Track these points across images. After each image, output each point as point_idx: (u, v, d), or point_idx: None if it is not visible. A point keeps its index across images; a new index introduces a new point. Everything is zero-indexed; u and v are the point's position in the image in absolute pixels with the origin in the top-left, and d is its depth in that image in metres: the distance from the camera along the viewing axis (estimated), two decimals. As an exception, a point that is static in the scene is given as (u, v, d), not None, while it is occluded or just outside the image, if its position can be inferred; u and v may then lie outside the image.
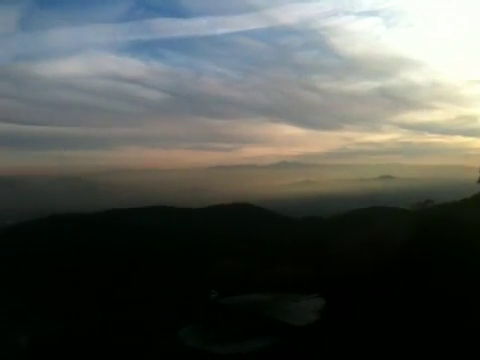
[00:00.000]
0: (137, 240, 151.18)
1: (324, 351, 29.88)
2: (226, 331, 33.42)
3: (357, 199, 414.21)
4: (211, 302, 40.64)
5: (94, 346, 39.67)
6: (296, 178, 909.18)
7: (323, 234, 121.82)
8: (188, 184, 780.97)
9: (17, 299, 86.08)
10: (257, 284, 59.65)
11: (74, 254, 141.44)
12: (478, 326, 26.11)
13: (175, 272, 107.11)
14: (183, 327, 35.66)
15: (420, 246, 45.03)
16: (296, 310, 35.87)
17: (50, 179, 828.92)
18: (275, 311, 35.39)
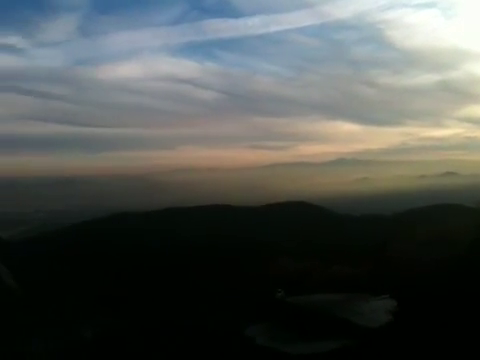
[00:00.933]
0: (196, 239, 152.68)
1: (397, 354, 28.25)
2: (295, 331, 32.31)
3: (418, 197, 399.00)
4: (278, 301, 39.63)
5: (157, 343, 39.62)
6: (354, 175, 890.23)
7: (383, 233, 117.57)
8: (245, 183, 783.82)
9: (81, 296, 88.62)
10: (315, 284, 57.90)
11: (136, 252, 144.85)
12: None
13: (234, 271, 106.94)
14: (250, 326, 34.86)
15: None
16: (367, 311, 34.10)
17: (111, 179, 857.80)
18: (345, 312, 33.84)
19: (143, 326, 45.09)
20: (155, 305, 62.40)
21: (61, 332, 34.88)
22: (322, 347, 29.66)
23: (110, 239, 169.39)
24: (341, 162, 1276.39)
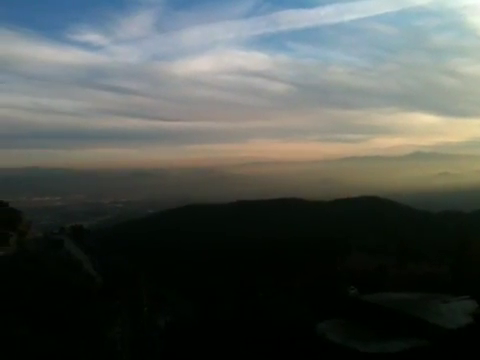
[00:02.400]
0: (266, 231, 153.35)
1: (475, 358, 26.69)
2: (369, 329, 31.49)
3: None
4: (351, 298, 38.87)
5: (226, 333, 40.16)
6: (433, 170, 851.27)
7: (463, 230, 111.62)
8: (317, 176, 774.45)
9: (157, 283, 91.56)
10: (390, 281, 55.92)
11: (208, 242, 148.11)
12: None
13: (305, 265, 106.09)
14: (321, 321, 34.46)
15: None
16: (445, 311, 32.45)
17: (184, 171, 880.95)
18: (422, 311, 32.38)
19: (214, 318, 45.89)
20: (226, 297, 63.33)
21: (139, 320, 36.32)
22: (396, 347, 28.61)
23: (184, 229, 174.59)
24: (418, 156, 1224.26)
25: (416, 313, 32.31)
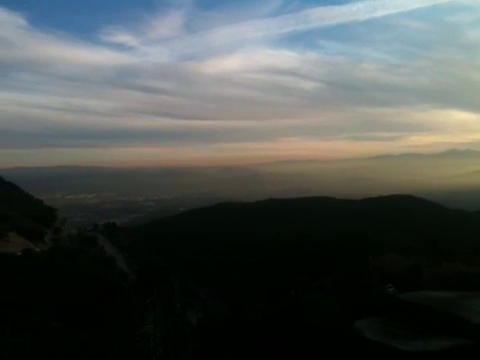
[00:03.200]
0: (297, 230, 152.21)
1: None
2: (408, 327, 30.71)
3: None
4: (389, 296, 38.06)
5: (258, 331, 39.95)
6: (469, 167, 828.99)
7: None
8: (349, 174, 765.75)
9: (189, 280, 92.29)
10: (427, 280, 54.52)
11: (239, 240, 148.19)
12: None
13: (336, 263, 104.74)
14: (358, 320, 33.79)
15: None
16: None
17: (216, 169, 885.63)
18: (463, 310, 31.29)
19: (246, 316, 45.77)
20: (257, 295, 63.16)
21: (171, 317, 36.54)
22: (435, 345, 27.75)
23: (215, 228, 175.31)
24: (453, 153, 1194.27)
25: (456, 311, 31.31)
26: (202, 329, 45.37)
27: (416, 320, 32.11)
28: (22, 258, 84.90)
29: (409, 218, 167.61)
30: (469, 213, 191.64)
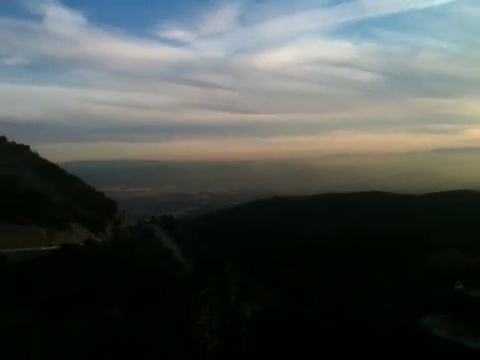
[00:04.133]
0: (351, 225, 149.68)
1: None
2: (477, 325, 29.70)
3: None
4: (458, 294, 36.91)
5: (312, 326, 39.77)
6: None
7: None
8: (406, 169, 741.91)
9: (243, 273, 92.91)
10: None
11: (292, 234, 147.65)
12: None
13: (392, 260, 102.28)
14: (426, 316, 33.07)
15: None
16: None
17: (270, 163, 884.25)
18: None
19: (300, 310, 45.64)
20: (311, 290, 62.78)
21: (226, 308, 37.12)
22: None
23: (268, 222, 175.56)
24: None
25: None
26: (256, 322, 45.69)
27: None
28: (84, 248, 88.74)
29: (470, 215, 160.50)
30: None
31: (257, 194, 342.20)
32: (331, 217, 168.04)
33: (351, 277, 69.80)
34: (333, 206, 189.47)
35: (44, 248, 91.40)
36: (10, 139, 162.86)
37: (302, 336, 35.90)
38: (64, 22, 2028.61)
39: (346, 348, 34.45)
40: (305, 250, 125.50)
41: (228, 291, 39.96)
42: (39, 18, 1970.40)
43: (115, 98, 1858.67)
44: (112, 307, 48.42)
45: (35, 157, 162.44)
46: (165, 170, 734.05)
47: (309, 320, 40.99)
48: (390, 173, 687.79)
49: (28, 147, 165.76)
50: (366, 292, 53.86)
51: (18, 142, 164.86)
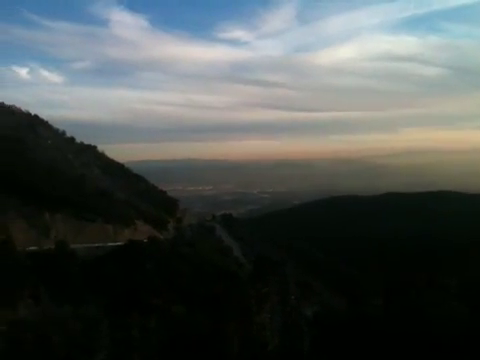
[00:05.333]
0: (418, 226, 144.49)
1: None
2: None
3: None
4: None
5: (376, 328, 38.65)
6: None
7: None
8: (474, 167, 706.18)
9: (303, 273, 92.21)
10: None
11: (354, 235, 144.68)
12: None
13: (463, 262, 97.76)
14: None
15: None
16: None
17: (331, 162, 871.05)
18: None
19: (363, 312, 44.46)
20: (374, 292, 61.13)
21: (286, 308, 36.83)
22: None
23: (330, 221, 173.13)
24: None
25: None
26: (318, 322, 45.06)
27: None
28: (148, 245, 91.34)
29: None
30: None
31: (318, 193, 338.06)
32: (395, 217, 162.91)
33: (417, 278, 67.05)
34: (398, 206, 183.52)
35: (110, 244, 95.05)
36: (79, 140, 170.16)
37: (366, 338, 34.94)
38: (128, 26, 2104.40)
39: (412, 351, 33.21)
40: (368, 250, 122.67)
41: (288, 291, 39.65)
42: (105, 23, 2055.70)
43: (177, 99, 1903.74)
44: (175, 303, 49.43)
45: (102, 157, 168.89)
46: (225, 169, 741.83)
47: (373, 322, 39.83)
48: (458, 171, 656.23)
49: (95, 147, 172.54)
50: (433, 294, 51.68)
51: (86, 142, 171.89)
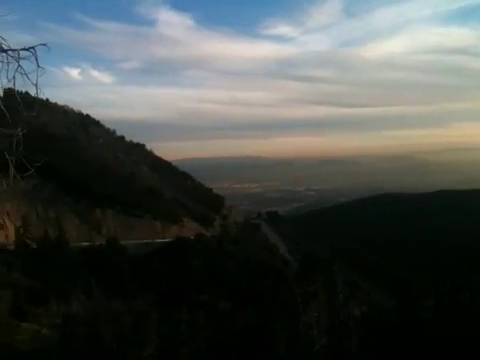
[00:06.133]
0: (472, 225, 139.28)
1: None
2: None
3: None
4: None
5: (427, 330, 37.64)
6: None
7: None
8: None
9: (351, 272, 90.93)
10: None
11: (403, 233, 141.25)
12: None
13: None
14: None
15: None
16: None
17: (379, 158, 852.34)
18: None
19: (414, 314, 43.28)
20: (425, 293, 59.43)
21: (334, 307, 36.42)
22: None
23: (377, 219, 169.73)
24: None
25: None
26: (366, 322, 44.30)
27: None
28: (195, 241, 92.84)
29: None
30: None
31: (365, 191, 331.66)
32: (447, 216, 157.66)
33: (471, 279, 64.73)
34: (449, 204, 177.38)
35: (158, 240, 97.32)
36: (128, 138, 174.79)
37: (415, 340, 34.04)
38: (174, 26, 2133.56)
39: (463, 356, 32.13)
40: (418, 250, 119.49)
41: (336, 290, 39.12)
42: (152, 23, 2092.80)
43: (223, 97, 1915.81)
44: (221, 299, 49.95)
45: (150, 155, 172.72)
46: (271, 166, 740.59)
47: (424, 324, 38.75)
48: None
49: (144, 145, 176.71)
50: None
51: (135, 141, 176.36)
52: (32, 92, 4.88)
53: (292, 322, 36.00)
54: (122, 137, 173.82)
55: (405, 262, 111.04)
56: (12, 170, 4.61)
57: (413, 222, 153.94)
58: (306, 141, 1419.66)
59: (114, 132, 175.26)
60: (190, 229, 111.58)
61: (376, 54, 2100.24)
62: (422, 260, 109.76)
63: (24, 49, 4.60)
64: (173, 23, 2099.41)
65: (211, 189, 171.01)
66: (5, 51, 4.51)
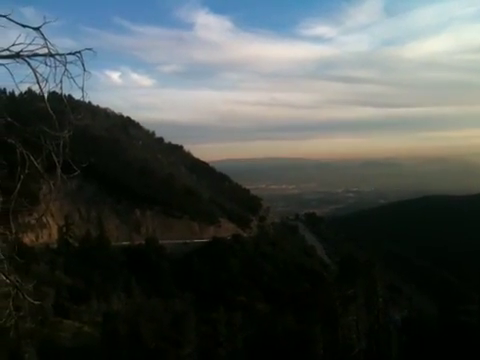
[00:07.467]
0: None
1: None
2: None
3: None
4: None
5: (470, 336, 36.44)
6: None
7: None
8: None
9: (392, 275, 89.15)
10: None
11: (446, 236, 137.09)
12: None
13: None
14: None
15: None
16: None
17: (421, 160, 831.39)
18: None
19: (458, 319, 41.88)
20: (471, 298, 57.49)
21: (373, 311, 35.75)
22: None
23: (420, 222, 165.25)
24: None
25: None
26: (407, 327, 43.26)
27: None
28: (232, 242, 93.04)
29: None
30: None
31: (406, 193, 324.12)
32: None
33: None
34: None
35: (196, 240, 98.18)
36: (167, 140, 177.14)
37: (459, 347, 32.95)
38: (213, 28, 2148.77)
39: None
40: (463, 254, 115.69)
41: (376, 293, 38.36)
42: (190, 26, 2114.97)
43: (262, 98, 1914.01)
44: (259, 300, 49.88)
45: (188, 156, 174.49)
46: (309, 168, 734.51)
47: (468, 329, 37.45)
48: None
49: (182, 147, 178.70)
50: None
51: (173, 143, 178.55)
52: (75, 95, 5.00)
53: (331, 325, 35.53)
54: (161, 139, 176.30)
55: (449, 266, 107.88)
56: (59, 171, 4.72)
57: (456, 224, 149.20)
58: (348, 142, 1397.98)
59: (153, 134, 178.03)
60: (227, 230, 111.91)
61: (418, 54, 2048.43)
62: (466, 264, 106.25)
63: (71, 53, 4.70)
64: (212, 26, 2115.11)
65: (248, 190, 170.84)
66: (53, 55, 4.62)
